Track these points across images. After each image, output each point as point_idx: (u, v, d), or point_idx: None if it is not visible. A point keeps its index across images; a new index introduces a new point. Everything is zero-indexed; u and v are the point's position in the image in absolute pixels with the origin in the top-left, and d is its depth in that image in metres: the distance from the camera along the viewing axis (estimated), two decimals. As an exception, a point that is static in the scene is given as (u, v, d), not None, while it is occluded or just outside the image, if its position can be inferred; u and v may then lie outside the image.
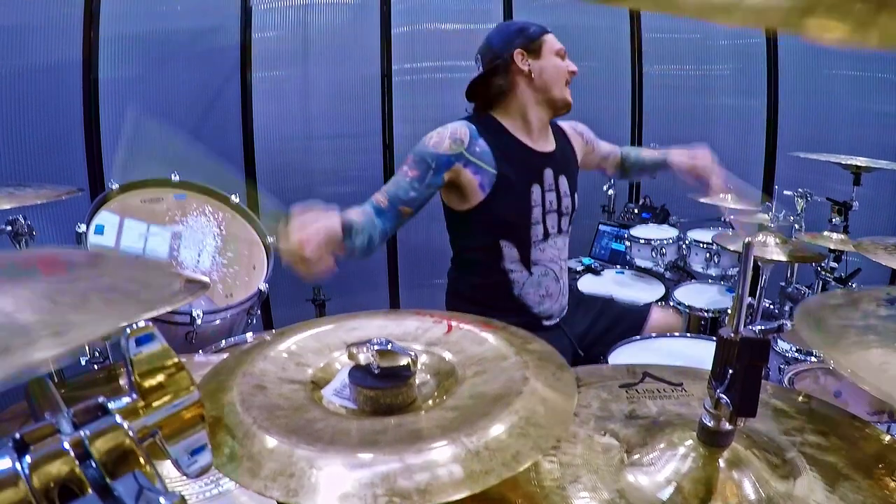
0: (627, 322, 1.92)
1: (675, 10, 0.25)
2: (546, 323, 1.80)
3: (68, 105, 2.38)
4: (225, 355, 0.81)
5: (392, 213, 1.57)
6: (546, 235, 1.74)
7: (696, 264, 2.66)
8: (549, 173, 1.73)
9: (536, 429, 0.58)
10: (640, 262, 2.72)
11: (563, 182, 1.77)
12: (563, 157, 1.81)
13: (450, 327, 0.81)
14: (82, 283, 0.58)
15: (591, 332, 1.89)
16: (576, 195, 1.82)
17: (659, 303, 2.32)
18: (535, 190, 1.70)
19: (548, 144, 1.78)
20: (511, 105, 1.72)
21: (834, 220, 1.98)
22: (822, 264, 2.00)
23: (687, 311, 2.25)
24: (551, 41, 1.73)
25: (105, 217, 1.96)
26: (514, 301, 1.73)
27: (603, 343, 1.79)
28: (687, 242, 2.72)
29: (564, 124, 1.92)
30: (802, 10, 0.23)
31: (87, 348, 1.50)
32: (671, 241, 2.72)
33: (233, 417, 0.60)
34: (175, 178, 2.14)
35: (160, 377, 0.40)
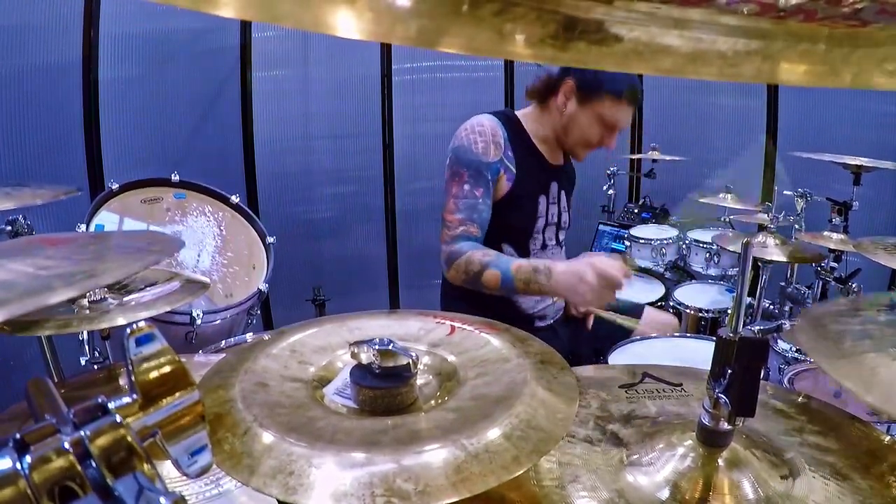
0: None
1: (654, 70, 0.25)
2: (539, 324, 1.81)
3: (68, 105, 2.38)
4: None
5: (484, 237, 1.59)
6: (544, 246, 1.76)
7: (696, 264, 2.67)
8: (554, 186, 1.75)
9: (537, 432, 0.58)
10: (640, 262, 2.72)
11: (564, 198, 1.79)
12: (568, 175, 1.83)
13: (453, 329, 0.81)
14: (94, 246, 0.61)
15: (584, 334, 1.89)
16: (570, 212, 1.84)
17: (659, 302, 2.32)
18: (542, 201, 1.71)
19: (559, 158, 1.79)
20: (539, 115, 1.72)
21: (834, 220, 1.98)
22: (822, 264, 2.00)
23: (687, 311, 2.25)
24: (608, 106, 1.58)
25: (105, 217, 1.96)
26: (510, 303, 1.74)
27: (596, 345, 1.79)
28: (687, 242, 2.73)
29: None
30: (774, 58, 0.24)
31: (86, 348, 1.50)
32: (671, 241, 2.72)
33: (234, 414, 0.61)
34: (175, 177, 2.14)
35: (160, 377, 0.40)
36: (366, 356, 0.68)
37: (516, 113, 1.73)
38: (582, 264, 1.39)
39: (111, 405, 0.37)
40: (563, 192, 1.78)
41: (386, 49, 3.20)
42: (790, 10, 0.21)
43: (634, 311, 2.00)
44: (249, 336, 1.77)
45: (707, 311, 2.22)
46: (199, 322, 1.78)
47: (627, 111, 1.61)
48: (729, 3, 0.21)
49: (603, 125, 1.61)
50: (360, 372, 0.68)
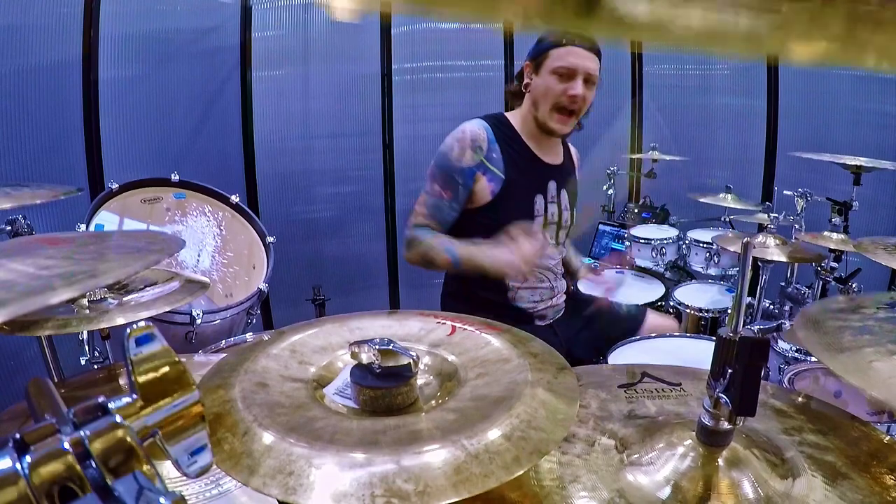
0: (623, 326, 1.92)
1: (669, 41, 0.25)
2: (539, 323, 1.81)
3: (68, 105, 2.38)
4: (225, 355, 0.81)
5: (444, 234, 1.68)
6: None
7: (696, 264, 2.66)
8: (552, 185, 1.75)
9: (537, 432, 0.58)
10: (640, 262, 2.72)
11: (564, 196, 1.79)
12: (567, 174, 1.82)
13: (453, 329, 0.81)
14: (94, 246, 0.61)
15: (584, 334, 1.88)
16: (574, 210, 1.83)
17: (659, 302, 2.32)
18: (539, 200, 1.71)
19: (556, 157, 1.79)
20: (521, 112, 1.74)
21: (834, 220, 1.98)
22: (822, 264, 2.00)
23: (687, 311, 2.25)
24: (555, 57, 1.59)
25: (105, 217, 1.96)
26: (508, 303, 1.74)
27: (596, 345, 1.79)
28: (687, 242, 2.72)
29: (572, 146, 1.93)
30: (788, 33, 0.23)
31: (86, 348, 1.50)
32: (671, 240, 2.72)
33: (233, 414, 0.60)
34: (175, 177, 2.14)
35: (160, 377, 0.40)
36: (366, 356, 0.68)
37: (506, 115, 1.75)
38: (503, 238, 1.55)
39: (111, 405, 0.37)
40: (562, 191, 1.77)
41: (386, 48, 3.19)
42: None
43: (635, 315, 1.99)
44: (249, 336, 1.77)
45: (707, 311, 2.22)
46: (199, 322, 1.78)
47: (577, 53, 1.58)
48: None
49: (558, 76, 1.60)
50: (361, 372, 0.69)
